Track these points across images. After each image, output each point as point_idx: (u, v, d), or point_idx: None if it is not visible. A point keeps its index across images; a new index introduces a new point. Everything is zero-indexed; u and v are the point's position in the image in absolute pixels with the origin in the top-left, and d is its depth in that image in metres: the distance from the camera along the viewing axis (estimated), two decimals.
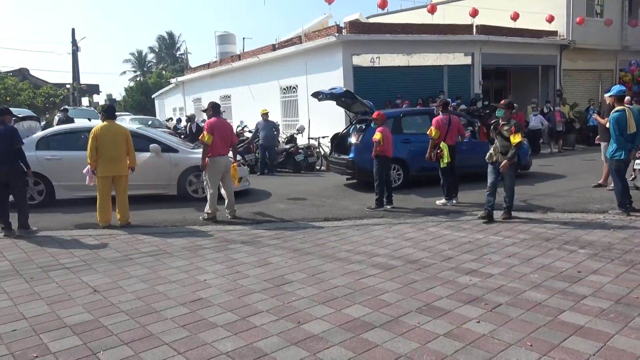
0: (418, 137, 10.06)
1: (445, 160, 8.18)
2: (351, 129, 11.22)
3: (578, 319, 3.69)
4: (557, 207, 7.82)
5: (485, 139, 7.28)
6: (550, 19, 19.51)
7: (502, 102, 7.17)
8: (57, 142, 9.04)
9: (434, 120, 8.47)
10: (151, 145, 8.96)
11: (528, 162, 11.13)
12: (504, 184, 7.04)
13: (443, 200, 8.51)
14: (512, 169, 6.98)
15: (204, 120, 17.31)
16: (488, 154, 7.13)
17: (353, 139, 10.40)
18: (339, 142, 11.41)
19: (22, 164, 6.89)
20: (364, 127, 10.46)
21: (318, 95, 11.43)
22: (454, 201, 8.42)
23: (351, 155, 10.19)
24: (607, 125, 7.44)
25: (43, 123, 23.14)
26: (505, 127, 6.87)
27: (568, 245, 5.61)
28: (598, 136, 9.62)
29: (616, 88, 7.52)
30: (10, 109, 7.61)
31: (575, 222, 6.76)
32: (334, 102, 11.85)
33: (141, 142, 8.80)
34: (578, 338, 3.39)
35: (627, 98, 11.23)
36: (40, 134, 9.47)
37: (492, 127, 7.19)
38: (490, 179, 7.11)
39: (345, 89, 11.39)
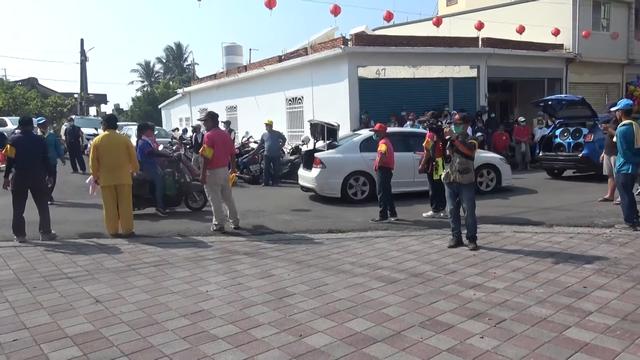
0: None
1: (440, 173, 8.05)
2: (557, 132, 13.12)
3: (584, 335, 3.64)
4: (563, 221, 7.76)
5: (440, 155, 6.66)
6: (556, 32, 19.54)
7: (457, 116, 6.57)
8: (375, 144, 9.58)
9: (428, 134, 8.38)
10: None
11: None
12: (463, 209, 6.40)
13: (430, 213, 8.45)
14: (471, 190, 6.34)
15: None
16: (444, 173, 6.48)
17: (583, 139, 12.29)
18: (545, 143, 13.21)
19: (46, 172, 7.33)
20: (575, 129, 12.63)
21: (540, 104, 13.50)
22: (442, 214, 8.28)
23: (585, 151, 12.04)
24: (614, 139, 7.40)
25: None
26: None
27: (574, 260, 5.55)
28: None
29: (623, 102, 7.50)
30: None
31: (581, 237, 6.69)
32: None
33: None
34: (584, 355, 3.33)
35: None
36: (361, 137, 10.32)
37: (448, 143, 6.41)
38: (449, 204, 6.50)
39: (581, 97, 12.86)
